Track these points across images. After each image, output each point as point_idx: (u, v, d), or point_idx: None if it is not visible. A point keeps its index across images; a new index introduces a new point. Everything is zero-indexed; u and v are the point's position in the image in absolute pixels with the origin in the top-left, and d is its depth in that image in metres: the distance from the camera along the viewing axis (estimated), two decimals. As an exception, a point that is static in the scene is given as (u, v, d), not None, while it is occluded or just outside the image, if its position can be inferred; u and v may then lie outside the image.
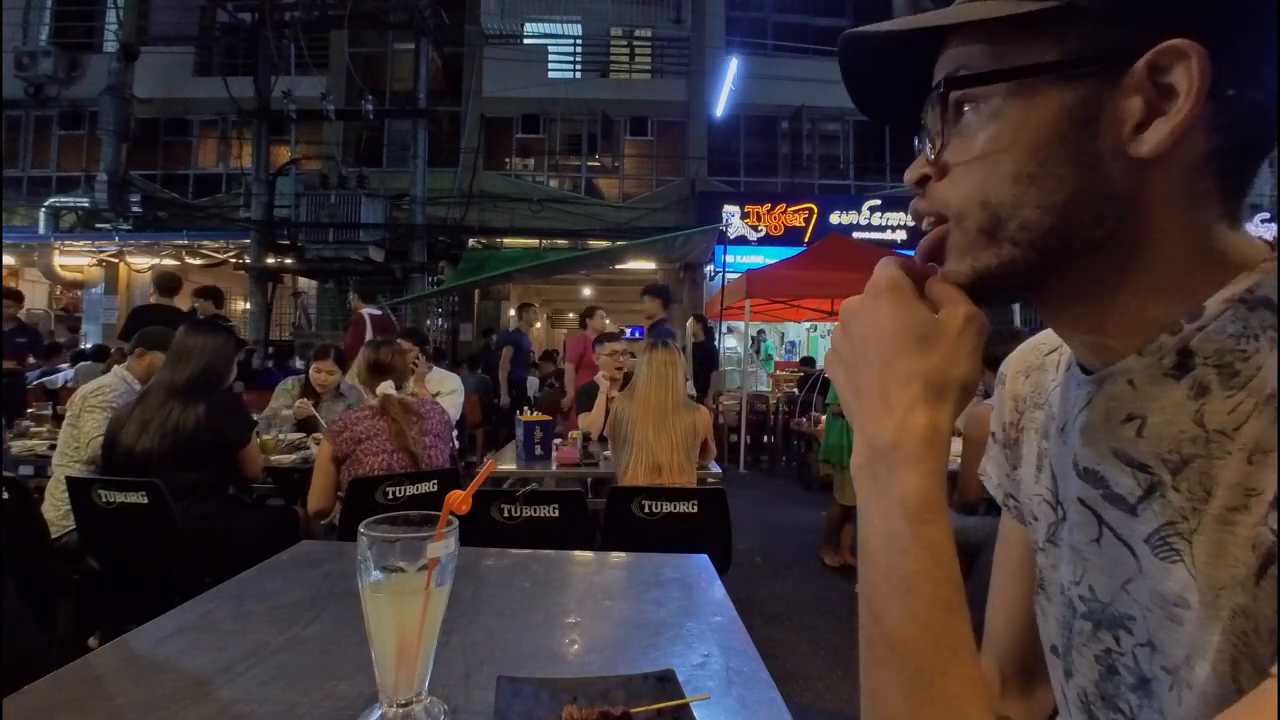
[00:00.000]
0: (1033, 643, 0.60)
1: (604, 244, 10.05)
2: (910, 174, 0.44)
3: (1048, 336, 0.57)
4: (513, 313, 11.87)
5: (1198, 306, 0.37)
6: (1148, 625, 0.38)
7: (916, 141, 0.45)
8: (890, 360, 0.41)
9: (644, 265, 10.51)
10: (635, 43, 12.25)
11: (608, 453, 2.73)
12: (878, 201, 10.80)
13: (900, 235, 10.67)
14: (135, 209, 10.31)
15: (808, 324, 11.54)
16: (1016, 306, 7.47)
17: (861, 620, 0.40)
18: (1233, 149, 0.37)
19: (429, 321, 10.23)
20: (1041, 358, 0.56)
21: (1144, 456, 0.39)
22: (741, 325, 8.10)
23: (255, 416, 3.07)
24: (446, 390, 3.58)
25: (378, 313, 5.22)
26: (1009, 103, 0.38)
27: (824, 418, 4.37)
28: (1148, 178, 0.36)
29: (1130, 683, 0.40)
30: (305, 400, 3.37)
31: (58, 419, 3.30)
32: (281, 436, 3.18)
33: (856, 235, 10.12)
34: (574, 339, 5.34)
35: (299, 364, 7.33)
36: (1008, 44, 0.38)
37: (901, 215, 10.69)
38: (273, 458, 2.83)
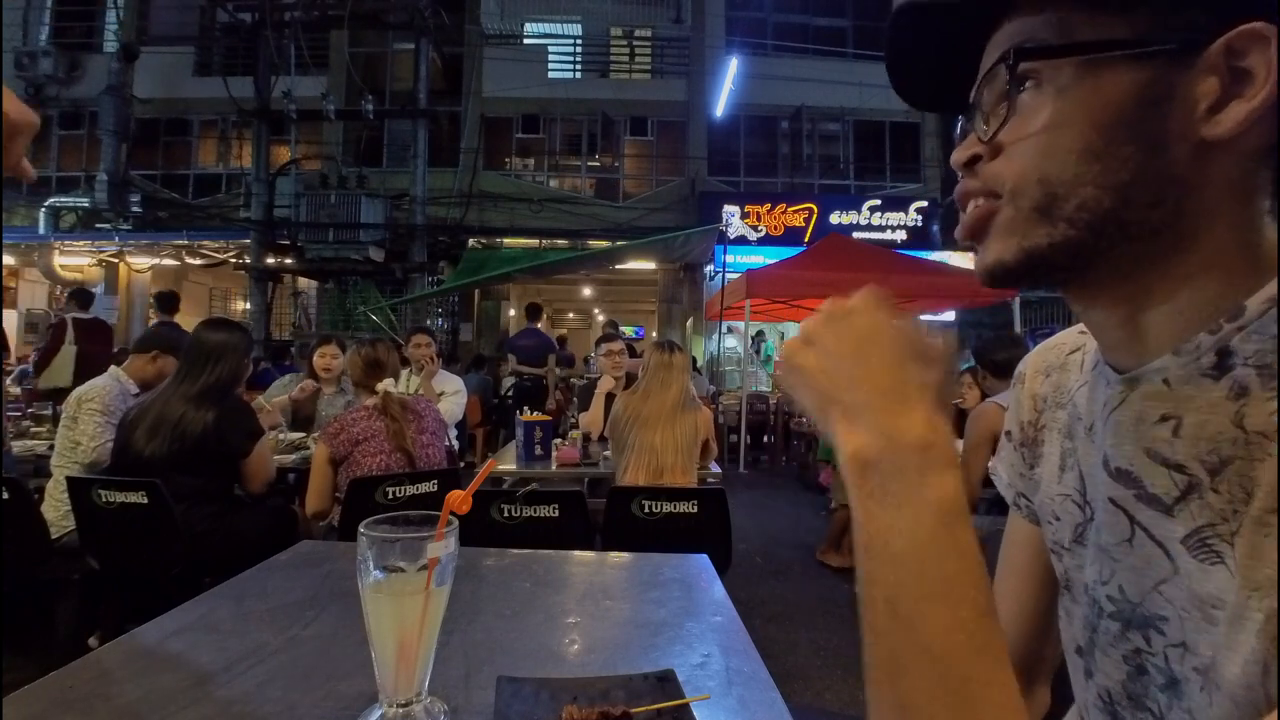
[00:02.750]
0: (1034, 642, 0.60)
1: (604, 244, 10.04)
2: (959, 154, 0.43)
3: (1068, 336, 0.57)
4: (512, 313, 11.87)
5: (1239, 305, 0.36)
6: (1183, 626, 0.38)
7: (959, 124, 0.45)
8: (903, 362, 0.39)
9: (644, 265, 10.51)
10: (635, 43, 12.24)
11: (608, 453, 2.73)
12: (878, 201, 10.81)
13: (900, 235, 10.68)
14: (135, 209, 10.30)
15: (808, 324, 11.52)
16: (1016, 309, 7.48)
17: (878, 627, 0.37)
18: None
19: (429, 321, 10.22)
20: (1063, 357, 0.56)
21: (1180, 457, 0.38)
22: (741, 325, 8.10)
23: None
24: (450, 391, 3.59)
25: (85, 317, 5.24)
26: (1078, 78, 0.38)
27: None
28: (1211, 163, 0.36)
29: (1160, 682, 0.40)
30: (310, 381, 3.36)
31: (58, 419, 3.30)
32: (281, 436, 3.17)
33: (856, 235, 10.13)
34: None
35: (288, 363, 7.31)
36: (1074, 19, 0.38)
37: (901, 215, 10.71)
38: (272, 457, 2.82)
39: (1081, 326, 0.54)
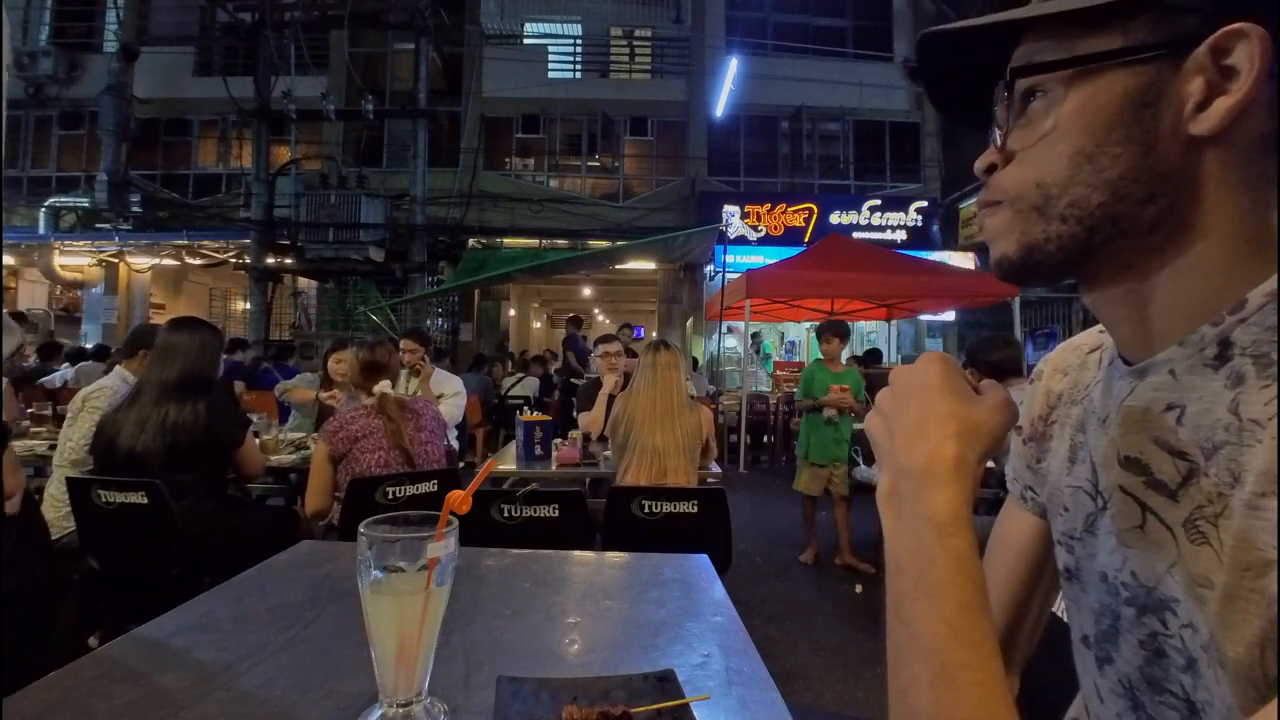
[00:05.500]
0: (1014, 627, 0.62)
1: (604, 244, 10.04)
2: (980, 163, 0.47)
3: (1089, 336, 0.59)
4: (513, 313, 11.85)
5: (1241, 298, 0.38)
6: (1189, 607, 0.39)
7: (991, 135, 0.48)
8: (929, 403, 0.44)
9: (644, 265, 10.51)
10: (635, 43, 12.24)
11: (608, 453, 2.73)
12: (878, 201, 10.81)
13: (900, 235, 10.68)
14: (135, 209, 10.30)
15: (807, 324, 11.54)
16: (1016, 310, 7.47)
17: (890, 627, 0.42)
18: None
19: (429, 321, 10.22)
20: (1083, 356, 0.58)
21: (1183, 444, 0.40)
22: (741, 325, 8.10)
23: (256, 416, 3.07)
24: (450, 392, 3.58)
25: None
26: (1072, 88, 0.41)
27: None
28: (1204, 158, 0.38)
29: (1180, 664, 0.41)
30: (338, 391, 3.37)
31: (58, 419, 3.30)
32: (282, 436, 3.18)
33: (856, 235, 10.12)
34: None
35: (292, 363, 7.33)
36: (1075, 35, 0.41)
37: (901, 215, 10.71)
38: (273, 458, 2.82)
39: (1102, 326, 0.55)
